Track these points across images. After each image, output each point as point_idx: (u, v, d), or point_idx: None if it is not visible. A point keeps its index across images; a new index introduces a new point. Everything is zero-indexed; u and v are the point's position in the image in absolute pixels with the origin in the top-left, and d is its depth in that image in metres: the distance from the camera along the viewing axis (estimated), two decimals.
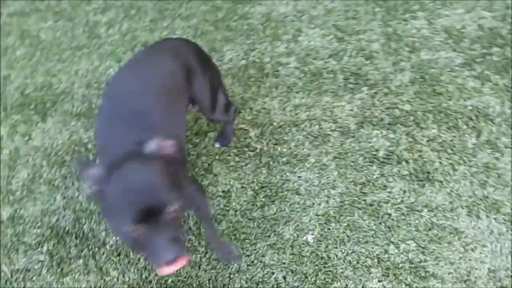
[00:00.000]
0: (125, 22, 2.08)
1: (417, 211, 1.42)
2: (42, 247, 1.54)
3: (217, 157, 1.61)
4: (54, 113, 1.81)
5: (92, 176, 0.95)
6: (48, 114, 1.81)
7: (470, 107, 1.58)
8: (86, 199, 1.59)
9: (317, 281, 1.35)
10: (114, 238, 1.51)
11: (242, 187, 1.54)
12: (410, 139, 1.55)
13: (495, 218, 1.38)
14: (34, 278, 1.49)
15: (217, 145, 1.62)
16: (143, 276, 1.44)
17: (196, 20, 2.03)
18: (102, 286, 1.44)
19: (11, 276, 1.50)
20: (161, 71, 1.26)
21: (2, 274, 1.51)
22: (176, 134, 1.21)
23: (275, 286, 1.35)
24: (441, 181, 1.46)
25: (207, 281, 1.40)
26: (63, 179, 1.65)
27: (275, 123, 1.66)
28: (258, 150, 1.61)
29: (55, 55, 2.01)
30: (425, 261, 1.35)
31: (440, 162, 1.49)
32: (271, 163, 1.57)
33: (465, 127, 1.55)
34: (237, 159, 1.60)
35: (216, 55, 1.87)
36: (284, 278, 1.36)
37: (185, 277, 1.41)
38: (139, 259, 1.46)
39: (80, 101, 1.81)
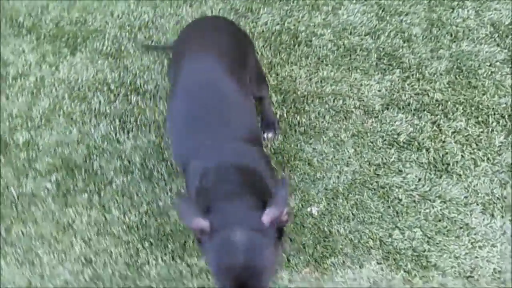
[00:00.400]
0: None
1: (430, 200, 1.37)
2: (51, 175, 1.56)
3: None
4: (84, 49, 1.82)
5: (197, 225, 0.91)
6: (78, 49, 1.82)
7: (504, 105, 1.50)
8: (101, 138, 1.60)
9: (314, 254, 1.33)
10: (122, 178, 1.52)
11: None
12: (435, 128, 1.49)
13: (510, 220, 1.32)
14: (38, 204, 1.51)
15: (270, 135, 1.51)
16: (143, 221, 1.45)
17: None
18: (102, 223, 1.46)
19: (18, 199, 1.53)
20: (229, 56, 1.24)
21: (9, 196, 1.54)
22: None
23: None
24: (460, 175, 1.40)
25: None
26: (82, 114, 1.66)
27: (299, 92, 1.62)
28: (278, 116, 1.57)
29: None
30: (429, 251, 1.30)
31: (463, 156, 1.43)
32: (288, 130, 1.54)
33: (495, 124, 1.47)
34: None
35: (251, 16, 1.83)
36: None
37: (184, 229, 1.41)
38: (142, 203, 1.47)
39: (111, 41, 1.81)
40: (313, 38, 1.75)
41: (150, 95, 1.67)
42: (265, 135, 1.49)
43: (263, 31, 1.78)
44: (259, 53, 1.71)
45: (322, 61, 1.69)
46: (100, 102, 1.68)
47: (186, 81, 1.25)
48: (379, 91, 1.58)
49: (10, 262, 1.42)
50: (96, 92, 1.70)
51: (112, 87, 1.71)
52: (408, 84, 1.58)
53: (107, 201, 1.48)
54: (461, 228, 1.33)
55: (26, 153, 1.61)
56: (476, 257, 1.29)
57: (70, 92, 1.72)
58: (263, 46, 1.74)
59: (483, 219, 1.33)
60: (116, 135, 1.60)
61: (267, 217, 0.90)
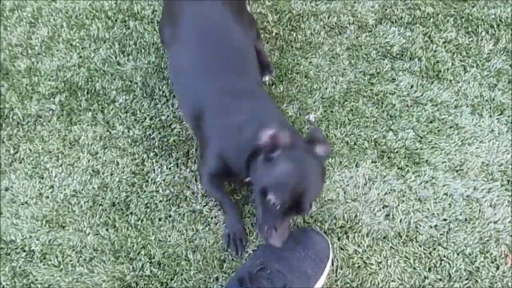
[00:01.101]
0: None
1: (421, 104, 1.44)
2: (54, 98, 1.59)
3: None
4: None
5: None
6: None
7: (493, 16, 1.55)
8: (101, 61, 1.63)
9: None
10: (124, 97, 1.56)
11: None
12: (427, 39, 1.54)
13: (497, 119, 1.39)
14: (44, 123, 1.56)
15: (267, 78, 1.52)
16: (147, 133, 1.49)
17: None
18: (107, 137, 1.50)
19: (23, 119, 1.57)
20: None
21: (15, 117, 1.58)
22: None
23: None
24: (450, 80, 1.46)
25: None
26: (81, 40, 1.69)
27: (294, 11, 1.65)
28: (273, 34, 1.61)
29: None
30: (421, 149, 1.37)
31: (453, 63, 1.49)
32: (285, 46, 1.59)
33: (484, 33, 1.53)
34: None
35: None
36: None
37: (186, 139, 1.47)
38: (145, 118, 1.52)
39: None
40: None
41: (148, 20, 1.69)
42: (263, 78, 1.51)
43: None
44: None
45: None
46: (98, 28, 1.70)
47: (192, 25, 1.29)
48: (372, 7, 1.62)
49: (20, 176, 1.47)
50: (94, 19, 1.72)
51: (110, 14, 1.73)
52: (400, 0, 1.62)
53: (111, 118, 1.53)
54: (451, 127, 1.39)
55: (28, 79, 1.64)
56: (466, 152, 1.35)
57: (68, 21, 1.74)
58: None
59: (472, 119, 1.40)
60: (116, 57, 1.64)
61: (319, 149, 1.09)
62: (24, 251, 1.37)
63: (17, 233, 1.39)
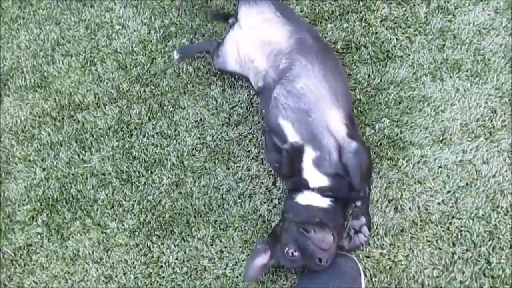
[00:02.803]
0: None
1: (384, 89, 1.46)
2: (36, 220, 1.55)
3: (182, 90, 1.60)
4: (8, 91, 1.75)
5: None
6: (3, 95, 1.76)
7: None
8: (66, 165, 1.58)
9: None
10: (103, 193, 1.52)
11: (212, 113, 1.54)
12: (364, 24, 1.55)
13: (458, 77, 1.43)
14: (37, 250, 1.51)
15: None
16: (141, 219, 1.47)
17: None
18: (104, 239, 1.47)
19: (15, 255, 1.52)
20: None
21: (6, 255, 1.52)
22: None
23: (267, 192, 1.41)
24: (401, 56, 1.48)
25: (202, 207, 1.44)
26: (37, 152, 1.63)
27: None
28: (219, 73, 1.60)
29: None
30: (401, 132, 1.40)
31: (397, 38, 1.51)
32: (234, 82, 1.57)
33: None
34: (201, 87, 1.59)
35: None
36: (274, 183, 1.41)
37: (180, 209, 1.45)
38: (132, 205, 1.49)
39: (32, 73, 1.75)
40: None
41: (94, 106, 1.65)
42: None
43: (171, 1, 1.76)
44: None
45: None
46: (49, 133, 1.65)
47: None
48: (301, 11, 1.62)
49: None
50: (41, 126, 1.66)
51: (54, 114, 1.67)
52: None
53: (100, 219, 1.50)
54: (420, 101, 1.42)
55: (1, 212, 1.58)
56: (442, 120, 1.39)
57: (16, 137, 1.67)
58: (179, 15, 1.73)
59: (436, 86, 1.43)
60: (79, 156, 1.59)
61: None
62: None
63: None
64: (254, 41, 1.36)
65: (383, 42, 1.51)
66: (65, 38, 1.78)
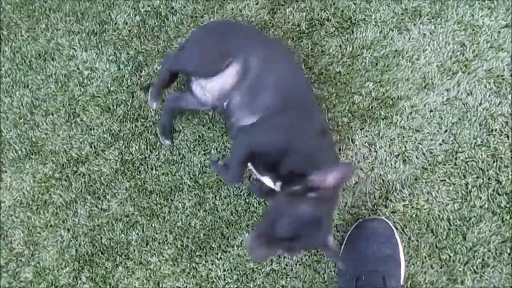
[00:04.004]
0: None
1: (359, 55, 1.53)
2: (80, 279, 1.60)
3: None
4: (4, 167, 1.76)
5: None
6: (0, 171, 1.77)
7: None
8: (88, 219, 1.63)
9: None
10: (134, 233, 1.58)
11: (208, 127, 1.60)
12: None
13: (421, 23, 1.51)
14: None
15: None
16: (178, 246, 1.54)
17: None
18: (151, 275, 1.55)
19: None
20: None
21: None
22: None
23: None
24: (364, 19, 1.55)
25: (231, 216, 1.52)
26: (55, 216, 1.67)
27: None
28: None
29: None
30: (387, 91, 1.48)
31: (354, 3, 1.57)
32: None
33: None
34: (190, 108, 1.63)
35: (109, 27, 1.80)
36: None
37: (211, 225, 1.53)
38: (165, 236, 1.56)
39: (20, 143, 1.76)
40: None
41: (93, 155, 1.68)
42: None
43: (129, 31, 1.77)
44: None
45: (196, 16, 1.73)
46: (60, 195, 1.68)
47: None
48: (257, 4, 1.65)
49: None
50: (49, 190, 1.69)
51: (57, 175, 1.70)
52: None
53: (139, 258, 1.56)
54: (394, 57, 1.50)
55: (44, 282, 1.63)
56: (419, 68, 1.48)
57: (29, 209, 1.70)
58: (141, 42, 1.74)
59: (404, 37, 1.51)
60: (97, 206, 1.64)
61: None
62: None
63: None
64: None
65: (343, 11, 1.57)
66: (39, 99, 1.79)
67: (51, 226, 1.67)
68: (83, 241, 1.63)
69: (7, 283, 1.67)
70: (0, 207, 1.73)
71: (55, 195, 1.68)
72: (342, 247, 1.38)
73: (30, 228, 1.69)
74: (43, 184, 1.71)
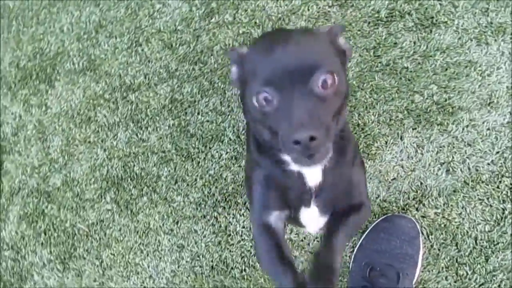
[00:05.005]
0: None
1: (431, 56, 1.51)
2: (105, 198, 1.66)
3: (229, 67, 1.65)
4: (58, 76, 1.82)
5: (235, 54, 0.87)
6: (53, 79, 1.82)
7: None
8: (126, 145, 1.67)
9: (361, 146, 1.49)
10: (165, 169, 1.62)
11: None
12: None
13: (503, 40, 1.47)
14: (110, 225, 1.63)
15: None
16: (205, 192, 1.58)
17: None
18: (172, 212, 1.59)
19: (90, 230, 1.65)
20: None
21: (81, 232, 1.65)
22: None
23: None
24: (446, 22, 1.52)
25: None
26: (96, 133, 1.72)
27: (273, 17, 1.67)
28: None
29: (32, 19, 1.95)
30: (449, 98, 1.46)
31: (440, 4, 1.54)
32: None
33: None
34: None
35: None
36: None
37: (242, 181, 1.55)
38: (195, 180, 1.59)
39: (78, 56, 1.81)
40: None
41: (145, 86, 1.71)
42: None
43: None
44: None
45: None
46: (105, 115, 1.72)
47: None
48: None
49: (118, 280, 1.58)
50: (96, 108, 1.74)
51: (107, 96, 1.74)
52: None
53: (165, 193, 1.60)
54: (466, 67, 1.48)
55: (71, 192, 1.69)
56: (489, 84, 1.45)
57: (73, 121, 1.76)
58: None
59: (481, 50, 1.48)
60: (137, 135, 1.68)
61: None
62: None
63: None
64: None
65: (426, 9, 1.55)
66: (107, 20, 1.82)
67: (89, 142, 1.72)
68: (116, 164, 1.67)
69: (35, 183, 1.74)
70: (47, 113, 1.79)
71: (100, 114, 1.73)
72: (364, 235, 1.39)
73: (70, 139, 1.74)
74: (91, 101, 1.75)
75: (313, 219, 0.98)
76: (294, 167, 0.89)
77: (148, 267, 1.57)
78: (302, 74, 0.72)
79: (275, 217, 0.94)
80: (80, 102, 1.77)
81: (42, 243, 1.70)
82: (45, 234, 1.70)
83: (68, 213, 1.67)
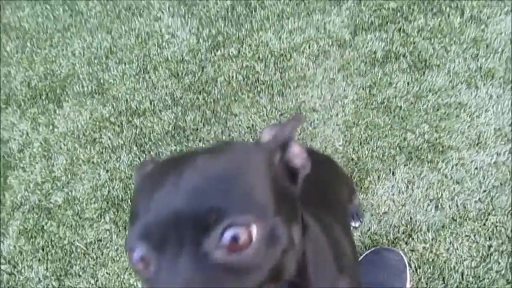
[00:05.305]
0: None
1: (423, 97, 1.59)
2: (104, 218, 1.70)
3: (233, 98, 1.73)
4: (67, 97, 1.89)
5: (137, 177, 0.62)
6: (62, 100, 1.89)
7: None
8: (128, 167, 1.73)
9: (354, 179, 1.55)
10: None
11: (263, 120, 1.68)
12: (402, 34, 1.67)
13: (491, 84, 1.56)
14: (107, 245, 1.67)
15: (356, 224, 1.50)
16: None
17: None
18: None
19: (87, 249, 1.68)
20: None
21: (79, 250, 1.69)
22: None
23: None
24: (438, 65, 1.61)
25: None
26: (100, 154, 1.78)
27: (275, 53, 1.76)
28: (268, 82, 1.73)
29: (46, 42, 2.05)
30: (440, 137, 1.54)
31: (433, 48, 1.63)
32: (283, 90, 1.71)
33: (448, 9, 1.67)
34: (251, 95, 1.72)
35: (200, 2, 1.92)
36: None
37: None
38: None
39: (88, 80, 1.89)
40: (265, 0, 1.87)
41: (150, 112, 1.79)
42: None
43: (217, 11, 1.88)
44: (225, 32, 1.82)
45: (282, 17, 1.82)
46: (109, 137, 1.79)
47: None
48: (342, 22, 1.74)
49: None
50: (101, 130, 1.81)
51: (113, 119, 1.82)
52: (363, 6, 1.74)
53: None
54: (456, 108, 1.55)
55: (71, 210, 1.74)
56: (477, 125, 1.52)
57: (78, 141, 1.82)
58: (225, 25, 1.85)
59: (471, 93, 1.56)
60: (140, 159, 1.74)
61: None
62: None
63: None
64: None
65: (420, 52, 1.64)
66: (117, 46, 1.91)
67: (93, 162, 1.78)
68: (118, 185, 1.73)
69: (37, 199, 1.79)
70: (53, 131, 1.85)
71: (105, 136, 1.79)
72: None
73: (74, 158, 1.80)
74: (97, 123, 1.82)
75: None
76: None
77: None
78: (194, 227, 0.44)
79: None
80: (86, 124, 1.83)
81: (39, 259, 1.73)
82: (43, 250, 1.73)
83: (67, 230, 1.71)
